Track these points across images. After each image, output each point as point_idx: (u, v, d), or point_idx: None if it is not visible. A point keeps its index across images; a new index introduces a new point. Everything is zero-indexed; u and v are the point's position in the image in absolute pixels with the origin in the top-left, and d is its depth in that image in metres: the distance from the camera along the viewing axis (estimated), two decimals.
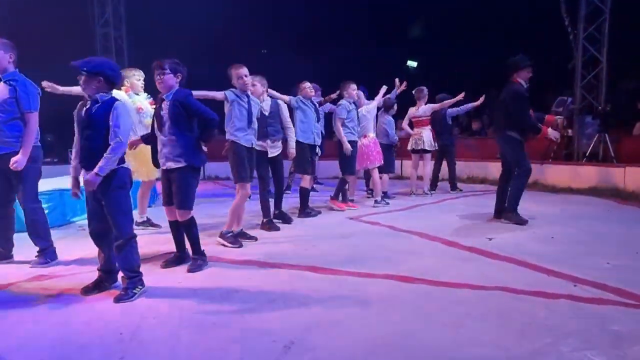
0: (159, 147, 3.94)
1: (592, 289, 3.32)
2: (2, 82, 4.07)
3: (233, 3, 12.44)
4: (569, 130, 10.04)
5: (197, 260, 3.99)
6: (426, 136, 8.00)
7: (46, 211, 5.57)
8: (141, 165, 5.28)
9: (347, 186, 6.99)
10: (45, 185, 6.09)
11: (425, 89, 8.19)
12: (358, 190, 8.02)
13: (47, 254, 4.24)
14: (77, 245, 4.90)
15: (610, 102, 9.82)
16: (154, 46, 11.28)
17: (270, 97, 5.73)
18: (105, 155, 3.19)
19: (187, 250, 4.12)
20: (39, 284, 3.68)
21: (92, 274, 3.66)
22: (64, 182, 6.35)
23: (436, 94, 8.48)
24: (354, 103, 6.75)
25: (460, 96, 8.09)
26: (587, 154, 9.20)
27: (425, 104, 8.16)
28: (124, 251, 3.32)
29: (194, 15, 12.38)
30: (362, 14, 15.21)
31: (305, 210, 6.36)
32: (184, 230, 4.01)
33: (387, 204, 7.19)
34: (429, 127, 8.12)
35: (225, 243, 4.72)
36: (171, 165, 3.85)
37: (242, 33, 13.84)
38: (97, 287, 3.43)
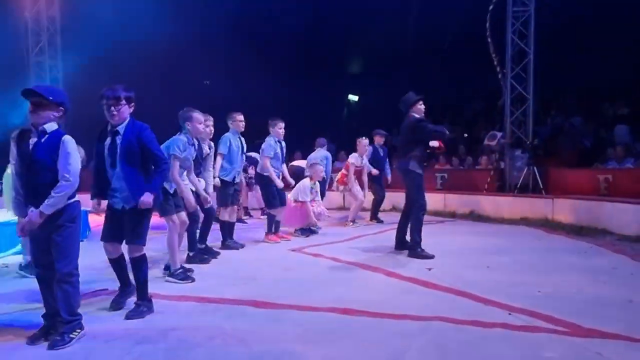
0: (114, 183, 3.59)
1: (525, 317, 3.44)
2: None
3: (173, 33, 12.38)
4: (501, 163, 10.57)
5: (141, 306, 3.63)
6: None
7: None
8: None
9: (276, 218, 6.93)
10: None
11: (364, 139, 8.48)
12: None
13: None
14: (1, 284, 4.56)
15: (537, 136, 10.46)
16: (89, 75, 10.94)
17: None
18: (53, 193, 2.97)
19: (131, 281, 3.81)
20: None
21: (19, 313, 3.43)
22: None
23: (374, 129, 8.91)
24: (278, 141, 6.81)
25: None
26: (518, 185, 9.69)
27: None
28: (65, 289, 3.06)
29: (135, 45, 12.18)
30: (301, 47, 15.54)
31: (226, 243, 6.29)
32: (133, 267, 3.69)
33: (315, 233, 7.43)
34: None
35: (176, 281, 4.54)
36: (125, 205, 3.56)
37: (185, 63, 13.73)
38: (44, 335, 3.13)
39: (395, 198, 10.23)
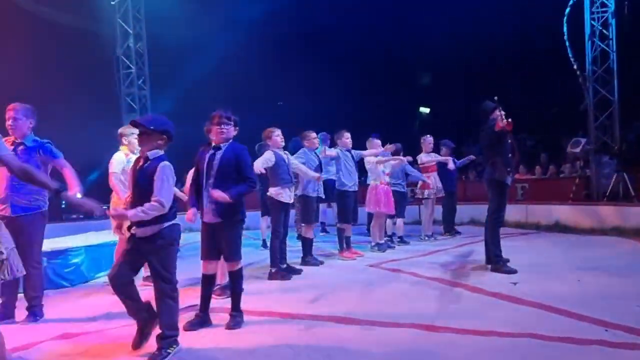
0: (204, 198, 3.89)
1: (623, 333, 3.25)
2: (22, 146, 4.16)
3: (247, 58, 12.99)
4: (587, 170, 10.01)
5: (237, 317, 3.89)
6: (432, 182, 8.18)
7: (72, 268, 5.75)
8: None
9: (345, 234, 6.95)
10: (71, 241, 6.26)
11: (429, 137, 8.37)
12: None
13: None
14: (101, 301, 4.95)
15: (625, 141, 9.82)
16: (176, 103, 11.73)
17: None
18: (144, 207, 3.17)
19: (209, 313, 4.02)
20: (66, 342, 3.70)
21: (119, 329, 3.72)
22: (89, 239, 6.50)
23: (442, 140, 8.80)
24: (348, 151, 6.86)
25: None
26: (607, 193, 9.12)
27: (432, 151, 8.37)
28: (169, 304, 3.28)
29: (214, 73, 12.90)
30: (375, 62, 15.63)
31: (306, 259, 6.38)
32: (231, 280, 3.98)
33: (392, 247, 7.39)
34: (435, 172, 8.29)
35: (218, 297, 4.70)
36: (218, 219, 3.83)
37: (260, 87, 14.30)
38: (142, 337, 3.38)
39: (473, 211, 10.00)
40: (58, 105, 10.98)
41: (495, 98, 5.50)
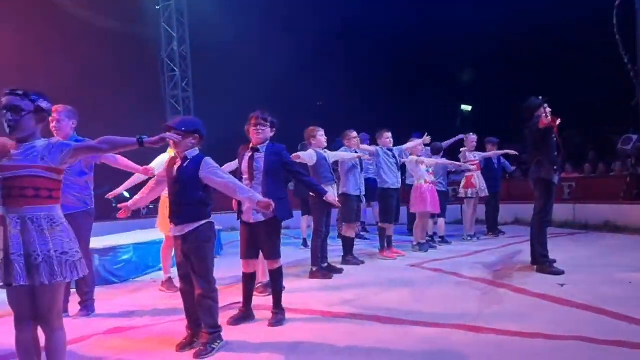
0: None
1: None
2: None
3: (287, 57, 13.10)
4: (639, 169, 9.56)
5: (279, 314, 3.96)
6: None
7: (121, 265, 5.97)
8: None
9: (387, 233, 6.89)
10: (121, 239, 6.49)
11: (472, 135, 8.23)
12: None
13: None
14: (149, 297, 5.13)
15: None
16: (218, 104, 11.96)
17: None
18: (242, 195, 3.37)
19: (252, 308, 4.13)
20: (116, 336, 3.85)
21: (164, 325, 3.84)
22: (138, 237, 6.73)
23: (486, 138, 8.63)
24: (389, 150, 6.81)
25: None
26: None
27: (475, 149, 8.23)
28: (207, 305, 3.37)
29: (254, 74, 13.10)
30: (415, 60, 15.44)
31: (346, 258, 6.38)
32: (271, 279, 4.07)
33: (434, 247, 7.32)
34: (479, 172, 8.14)
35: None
36: (259, 217, 3.90)
37: (299, 88, 14.39)
38: (189, 344, 3.45)
39: (517, 210, 9.75)
40: (106, 107, 11.41)
41: (540, 98, 5.34)
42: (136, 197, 3.74)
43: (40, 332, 2.60)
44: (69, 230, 2.58)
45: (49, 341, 2.58)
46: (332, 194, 5.56)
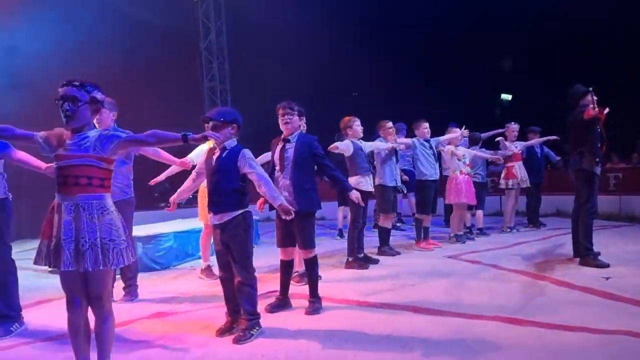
0: (278, 187, 4.00)
1: None
2: None
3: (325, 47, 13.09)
4: None
5: (315, 303, 4.00)
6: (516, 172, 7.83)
7: (162, 252, 6.14)
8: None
9: (424, 224, 6.80)
10: (162, 228, 6.68)
11: (513, 124, 8.02)
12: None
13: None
14: (189, 284, 5.26)
15: None
16: (255, 96, 12.08)
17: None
18: (266, 191, 3.44)
19: (289, 296, 4.18)
20: (158, 321, 3.98)
21: (204, 311, 3.95)
22: (178, 225, 6.90)
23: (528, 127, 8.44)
24: (426, 141, 6.71)
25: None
26: None
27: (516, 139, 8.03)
28: (246, 292, 3.43)
29: (290, 66, 13.15)
30: (453, 48, 15.10)
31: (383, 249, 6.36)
32: (306, 267, 4.11)
33: (471, 239, 7.18)
34: (520, 162, 7.93)
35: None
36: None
37: (334, 79, 14.34)
38: (228, 329, 3.54)
39: (559, 201, 9.47)
40: (146, 99, 11.67)
41: (591, 89, 5.14)
42: (180, 189, 3.84)
43: (90, 314, 2.71)
44: (118, 218, 2.67)
45: (99, 323, 2.69)
46: (363, 186, 5.55)
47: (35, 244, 2.77)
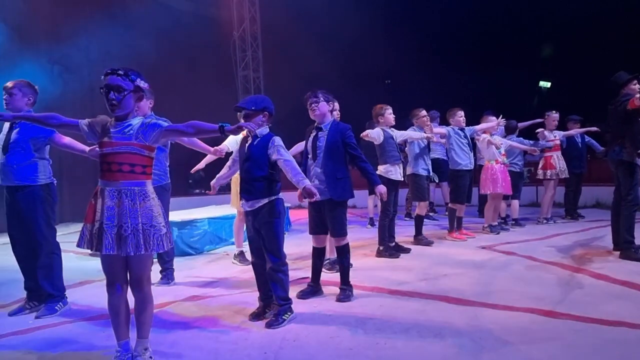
0: (310, 176, 4.04)
1: None
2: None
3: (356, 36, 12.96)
4: None
5: (346, 290, 4.00)
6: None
7: (197, 238, 6.28)
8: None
9: (457, 214, 6.69)
10: (196, 213, 6.83)
11: (554, 113, 7.79)
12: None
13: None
14: (222, 269, 5.37)
15: None
16: (286, 85, 12.10)
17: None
18: (292, 176, 3.43)
19: (320, 283, 4.22)
20: (193, 304, 4.08)
21: (237, 295, 4.03)
22: (212, 212, 7.04)
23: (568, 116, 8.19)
24: (461, 130, 6.58)
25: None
26: None
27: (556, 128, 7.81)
28: (278, 278, 3.49)
29: (322, 53, 13.09)
30: (489, 33, 14.71)
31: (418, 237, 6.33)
32: (338, 255, 4.12)
33: (506, 230, 7.08)
34: (559, 152, 7.71)
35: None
36: (321, 196, 3.85)
37: (367, 66, 14.21)
38: (260, 314, 3.59)
39: (598, 192, 9.19)
40: (182, 87, 11.86)
41: (637, 75, 4.93)
42: (218, 175, 3.91)
43: (129, 296, 2.80)
44: (158, 205, 2.74)
45: (138, 305, 2.78)
46: (392, 175, 5.52)
47: (75, 226, 2.87)
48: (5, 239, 4.07)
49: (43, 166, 3.88)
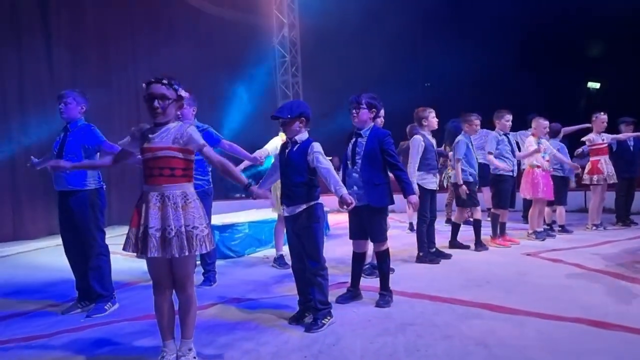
0: (349, 181, 4.03)
1: None
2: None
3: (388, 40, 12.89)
4: None
5: (386, 296, 3.99)
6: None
7: (237, 241, 6.38)
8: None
9: (501, 220, 6.50)
10: (238, 217, 6.95)
11: (602, 115, 7.50)
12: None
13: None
14: (262, 272, 5.44)
15: None
16: (325, 89, 12.18)
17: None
18: (330, 184, 3.41)
19: (359, 288, 4.20)
20: (234, 306, 4.14)
21: (277, 298, 4.11)
22: (253, 215, 7.14)
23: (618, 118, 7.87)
24: (505, 134, 6.39)
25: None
26: None
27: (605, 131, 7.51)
28: (317, 282, 3.51)
29: (361, 57, 13.11)
30: (535, 33, 14.30)
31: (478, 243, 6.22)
32: (378, 260, 4.11)
33: (552, 236, 6.87)
34: (606, 156, 7.42)
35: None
36: (358, 202, 3.86)
37: (407, 69, 14.10)
38: (300, 318, 3.63)
39: None
40: (223, 93, 12.11)
41: None
42: (261, 181, 3.91)
43: (174, 297, 2.89)
44: (200, 207, 2.81)
45: (182, 306, 2.86)
46: (427, 184, 5.48)
47: (121, 229, 2.98)
48: (59, 241, 4.27)
49: (93, 172, 4.05)
